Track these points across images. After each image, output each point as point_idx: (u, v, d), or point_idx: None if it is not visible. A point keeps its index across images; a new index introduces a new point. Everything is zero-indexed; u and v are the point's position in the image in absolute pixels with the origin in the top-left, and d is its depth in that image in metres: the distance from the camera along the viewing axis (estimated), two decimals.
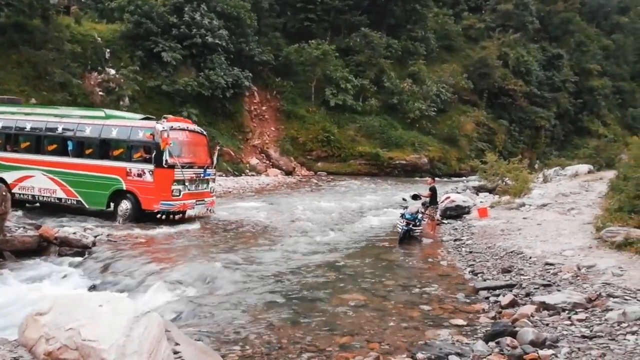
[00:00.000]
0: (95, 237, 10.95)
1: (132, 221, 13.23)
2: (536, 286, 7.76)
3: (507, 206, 16.52)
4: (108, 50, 29.24)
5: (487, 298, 7.70)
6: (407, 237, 12.71)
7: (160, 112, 19.27)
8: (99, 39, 29.00)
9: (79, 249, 10.09)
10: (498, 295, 7.64)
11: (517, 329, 5.91)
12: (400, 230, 12.78)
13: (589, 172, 29.82)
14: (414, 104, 40.51)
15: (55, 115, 14.87)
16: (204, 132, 15.52)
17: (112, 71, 28.20)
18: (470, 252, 11.02)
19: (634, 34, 66.27)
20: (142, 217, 13.40)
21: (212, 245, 11.62)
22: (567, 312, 6.51)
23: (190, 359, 4.29)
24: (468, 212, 16.30)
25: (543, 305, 6.79)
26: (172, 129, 13.48)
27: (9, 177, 14.59)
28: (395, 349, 5.88)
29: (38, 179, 14.31)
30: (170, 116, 15.20)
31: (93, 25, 30.65)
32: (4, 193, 9.02)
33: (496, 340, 5.70)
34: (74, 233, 10.38)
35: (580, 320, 6.20)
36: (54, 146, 14.52)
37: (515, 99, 48.73)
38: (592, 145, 40.76)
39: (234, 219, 15.19)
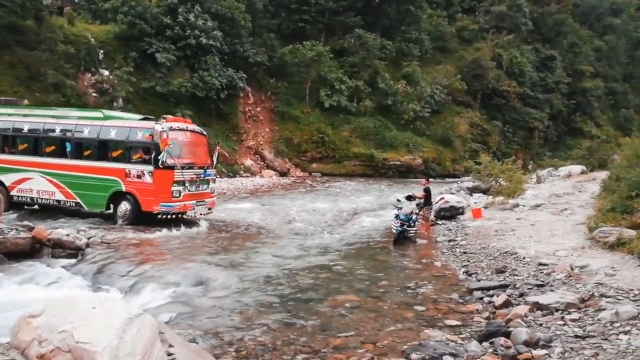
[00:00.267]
0: (89, 238, 10.89)
1: (132, 223, 13.09)
2: (530, 286, 7.80)
3: (501, 207, 16.59)
4: (102, 51, 29.17)
5: (481, 298, 7.72)
6: (402, 238, 12.73)
7: (154, 114, 19.16)
8: (93, 39, 28.91)
9: (72, 251, 10.03)
10: (492, 296, 7.67)
11: (510, 329, 5.93)
12: (394, 231, 12.80)
13: (582, 172, 29.99)
14: (408, 105, 40.60)
15: (53, 117, 14.70)
16: (204, 132, 15.27)
17: (106, 72, 28.12)
18: (465, 252, 11.06)
19: (626, 35, 66.75)
20: (141, 218, 13.28)
21: (206, 247, 11.59)
22: (560, 312, 6.55)
23: None
24: (462, 213, 16.35)
25: (536, 306, 6.82)
26: (171, 129, 13.29)
27: (7, 179, 14.46)
28: (389, 349, 5.89)
29: (36, 181, 14.15)
30: (170, 116, 15.04)
31: (86, 26, 30.55)
32: None
33: (490, 341, 5.72)
34: (67, 235, 10.32)
35: (573, 320, 6.23)
36: (52, 148, 14.35)
37: (509, 100, 48.95)
38: (585, 146, 41.02)
39: (228, 221, 15.16)
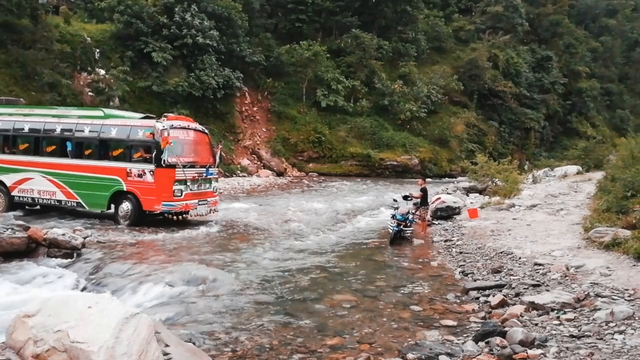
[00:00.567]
0: (85, 238, 10.86)
1: (133, 224, 13.02)
2: (525, 286, 7.82)
3: (497, 207, 16.62)
4: (98, 50, 29.08)
5: (477, 298, 7.74)
6: (398, 238, 12.75)
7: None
8: (89, 39, 28.83)
9: (68, 251, 10.00)
10: (488, 296, 7.68)
11: (506, 328, 5.95)
12: (391, 230, 12.81)
13: (578, 173, 30.10)
14: (405, 105, 40.66)
15: (54, 116, 14.57)
16: (206, 131, 15.11)
17: (102, 71, 28.03)
18: (461, 252, 11.08)
19: (621, 36, 67.08)
20: (143, 220, 13.22)
21: (203, 247, 11.57)
22: (555, 312, 6.56)
23: None
24: (458, 213, 16.38)
25: (532, 305, 6.84)
26: (172, 127, 13.17)
27: (8, 179, 14.37)
28: (385, 349, 5.89)
29: (37, 181, 14.05)
30: (171, 114, 14.93)
31: (82, 25, 30.47)
32: None
33: (486, 340, 5.73)
34: (63, 234, 10.27)
35: (568, 320, 6.25)
36: (53, 147, 14.23)
37: (505, 100, 49.08)
38: (580, 147, 41.10)
39: (225, 221, 15.13)
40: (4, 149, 14.75)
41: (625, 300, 6.69)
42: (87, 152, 13.83)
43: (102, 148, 13.65)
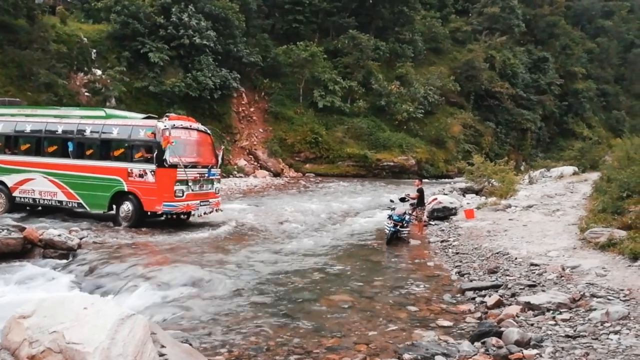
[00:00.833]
0: (81, 239, 10.84)
1: (134, 225, 12.94)
2: (521, 286, 7.84)
3: (494, 207, 16.66)
4: (94, 50, 29.03)
5: (473, 299, 7.76)
6: (395, 238, 12.77)
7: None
8: (85, 39, 28.77)
9: (64, 251, 9.98)
10: (484, 296, 7.70)
11: (502, 329, 5.96)
12: (387, 231, 12.83)
13: (574, 173, 30.21)
14: (402, 105, 40.71)
15: (55, 116, 14.49)
16: (208, 131, 14.98)
17: (99, 72, 27.99)
18: (457, 253, 11.10)
19: (617, 37, 67.32)
20: (143, 219, 13.16)
21: (199, 248, 11.55)
22: (551, 312, 6.59)
23: None
24: (455, 214, 16.42)
25: (528, 306, 6.86)
26: (174, 127, 13.06)
27: (10, 180, 14.27)
28: (382, 350, 5.90)
29: (38, 182, 13.95)
30: (173, 114, 14.85)
31: (79, 25, 30.42)
32: None
33: (482, 341, 5.75)
34: (59, 235, 10.26)
35: (564, 320, 6.27)
36: (54, 148, 14.13)
37: (502, 101, 49.22)
38: (577, 147, 41.25)
39: (221, 221, 15.11)
40: (5, 149, 14.68)
41: (620, 300, 6.72)
42: (88, 152, 13.73)
43: (104, 148, 13.55)
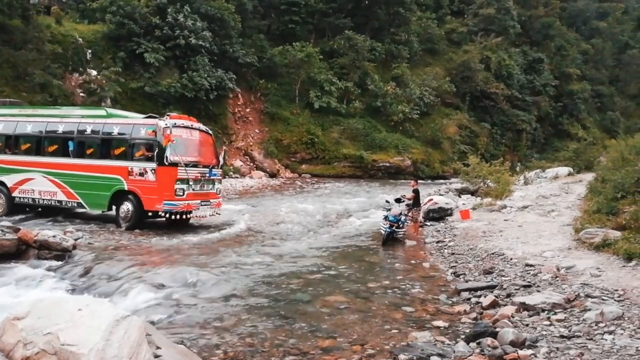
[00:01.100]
0: (76, 240, 10.79)
1: (134, 226, 12.88)
2: (517, 287, 7.86)
3: (489, 208, 16.70)
4: (89, 50, 28.96)
5: (468, 299, 7.77)
6: (391, 239, 12.78)
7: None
8: (80, 39, 28.69)
9: (59, 253, 9.93)
10: (479, 297, 7.71)
11: (497, 329, 5.97)
12: (383, 232, 12.84)
13: (569, 174, 30.33)
14: (398, 106, 40.80)
15: (56, 116, 14.45)
16: (210, 131, 14.96)
17: (94, 72, 27.92)
18: (453, 253, 11.12)
19: (612, 38, 67.74)
20: (143, 220, 13.11)
21: (194, 249, 11.53)
22: (546, 312, 6.61)
23: None
24: (450, 214, 16.46)
25: (523, 306, 6.87)
26: (175, 126, 13.02)
27: (9, 180, 14.22)
28: (378, 351, 5.90)
29: (38, 182, 13.90)
30: (174, 113, 14.82)
31: (74, 25, 30.32)
32: None
33: (477, 341, 5.76)
34: (54, 236, 10.21)
35: (559, 321, 6.29)
36: (54, 147, 14.08)
37: (497, 102, 49.41)
38: (572, 148, 41.43)
39: (217, 222, 15.09)
40: (6, 149, 14.63)
41: (615, 300, 6.75)
42: (88, 152, 13.69)
43: (104, 147, 13.51)
